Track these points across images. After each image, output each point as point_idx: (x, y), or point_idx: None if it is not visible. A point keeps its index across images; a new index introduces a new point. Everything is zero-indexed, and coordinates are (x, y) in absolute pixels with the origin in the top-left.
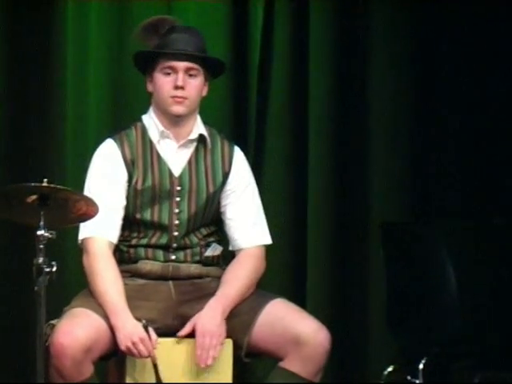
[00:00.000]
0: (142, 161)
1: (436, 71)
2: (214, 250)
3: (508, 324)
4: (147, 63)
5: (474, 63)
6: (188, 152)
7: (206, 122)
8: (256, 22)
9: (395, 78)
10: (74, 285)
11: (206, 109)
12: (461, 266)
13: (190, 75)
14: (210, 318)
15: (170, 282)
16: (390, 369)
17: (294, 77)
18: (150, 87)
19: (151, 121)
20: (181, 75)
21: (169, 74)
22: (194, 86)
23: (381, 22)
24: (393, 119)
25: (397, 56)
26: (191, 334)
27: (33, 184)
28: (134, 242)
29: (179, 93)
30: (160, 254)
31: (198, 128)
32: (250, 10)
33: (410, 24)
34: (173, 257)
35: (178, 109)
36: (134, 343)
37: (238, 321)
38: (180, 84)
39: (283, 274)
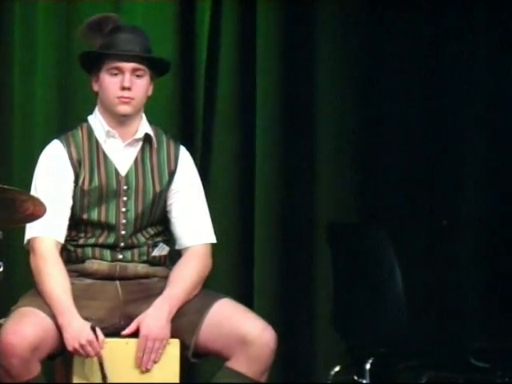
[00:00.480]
0: (89, 161)
1: (382, 72)
2: (161, 250)
3: (454, 324)
4: (93, 63)
5: (420, 64)
6: (134, 151)
7: (150, 122)
8: (203, 21)
9: (343, 76)
10: (22, 285)
11: (153, 108)
12: (408, 266)
13: (137, 75)
14: (154, 319)
15: (117, 282)
16: (336, 369)
17: (241, 75)
18: (95, 87)
19: (97, 121)
20: (127, 76)
21: (115, 74)
22: (141, 86)
23: (328, 20)
24: (340, 118)
25: (344, 55)
26: (137, 334)
27: None
28: (81, 241)
29: (126, 93)
30: (107, 253)
31: (144, 127)
32: (197, 9)
33: (357, 21)
34: (120, 256)
35: (124, 109)
36: (81, 344)
37: (185, 321)
38: (127, 85)
39: (230, 274)
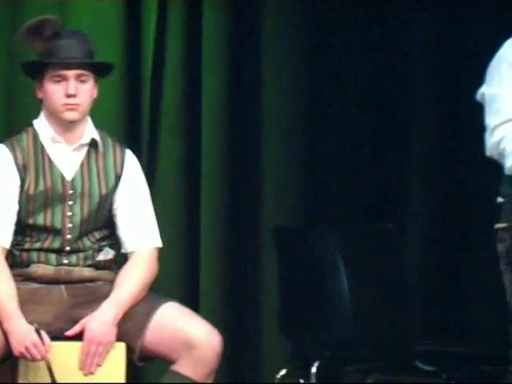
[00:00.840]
0: (34, 165)
1: (328, 73)
2: (107, 255)
3: (399, 327)
4: (35, 71)
5: (365, 66)
6: (80, 156)
7: (96, 126)
8: (149, 23)
9: (290, 79)
10: None
11: (99, 111)
12: (353, 270)
13: (81, 81)
14: (99, 323)
15: (63, 286)
16: (282, 372)
17: (188, 78)
18: (39, 94)
19: (42, 125)
20: (72, 83)
21: (59, 81)
22: (86, 91)
23: (275, 19)
24: (287, 121)
25: (290, 55)
26: (82, 337)
27: None
28: (26, 246)
29: (71, 100)
30: (52, 257)
31: (90, 132)
32: (144, 11)
33: (304, 22)
34: (65, 261)
35: (71, 115)
36: (26, 348)
37: (131, 324)
38: (72, 92)
39: (176, 277)
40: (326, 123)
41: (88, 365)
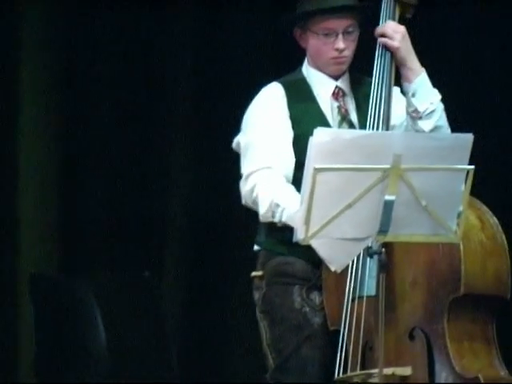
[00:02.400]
0: None
1: (84, 110)
2: None
3: (158, 377)
4: None
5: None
6: None
7: None
8: None
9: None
10: None
11: None
12: (111, 319)
13: None
14: None
15: None
16: None
17: None
18: None
19: None
20: None
21: None
22: None
23: (30, 31)
24: (43, 167)
25: (46, 78)
26: None
27: None
28: None
29: None
30: None
31: None
32: None
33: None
34: None
35: None
36: None
37: None
38: None
39: None
40: (82, 170)
41: None
